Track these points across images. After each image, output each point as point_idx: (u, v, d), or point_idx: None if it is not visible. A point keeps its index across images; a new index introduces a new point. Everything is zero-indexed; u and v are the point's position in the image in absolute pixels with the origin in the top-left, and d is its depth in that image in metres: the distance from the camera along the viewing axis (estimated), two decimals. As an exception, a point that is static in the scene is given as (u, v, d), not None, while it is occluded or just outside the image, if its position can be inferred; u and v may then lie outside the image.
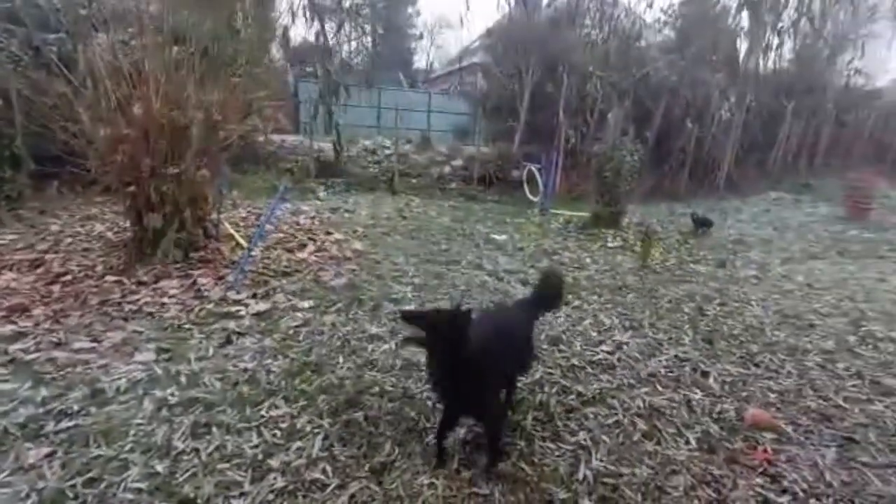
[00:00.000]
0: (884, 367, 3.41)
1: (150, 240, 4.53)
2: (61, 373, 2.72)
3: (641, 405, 2.77)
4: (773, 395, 2.98)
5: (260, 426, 2.37)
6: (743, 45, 14.58)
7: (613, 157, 7.85)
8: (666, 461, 2.31)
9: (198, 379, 2.75)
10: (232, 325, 3.47)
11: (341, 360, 3.06)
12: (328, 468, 2.11)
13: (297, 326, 3.51)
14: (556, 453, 2.32)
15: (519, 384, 2.77)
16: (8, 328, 3.17)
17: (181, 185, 4.51)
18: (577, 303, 4.37)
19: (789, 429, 2.62)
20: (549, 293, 2.85)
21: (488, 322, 2.44)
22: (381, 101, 17.43)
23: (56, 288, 3.88)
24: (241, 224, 6.10)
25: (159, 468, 2.05)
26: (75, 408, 2.41)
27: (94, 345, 3.06)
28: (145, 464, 2.07)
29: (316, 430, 2.35)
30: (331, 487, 2.01)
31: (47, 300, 3.66)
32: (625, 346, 3.53)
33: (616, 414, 2.67)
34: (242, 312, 3.68)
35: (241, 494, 1.95)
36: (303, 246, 5.48)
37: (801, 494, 2.14)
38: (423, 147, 13.43)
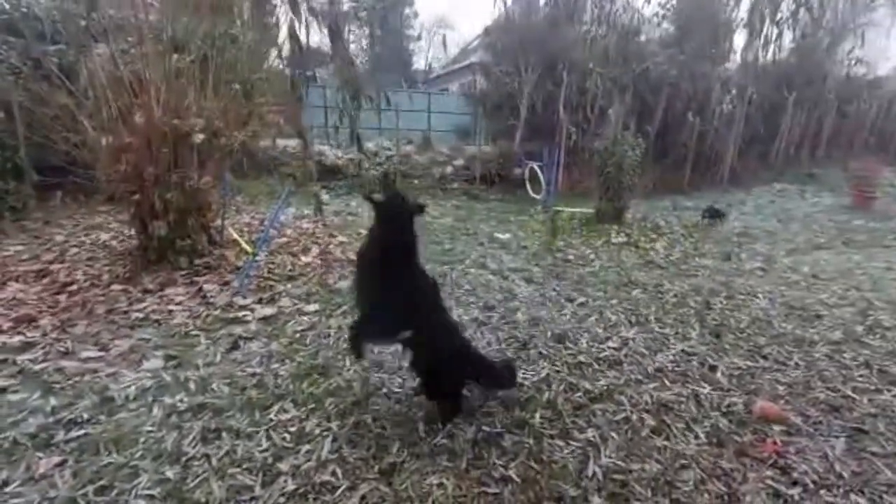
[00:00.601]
0: (892, 357, 3.39)
1: (155, 248, 4.56)
2: (70, 382, 2.74)
3: (649, 400, 2.76)
4: (781, 388, 2.96)
5: (269, 430, 2.38)
6: (742, 37, 14.52)
7: (615, 153, 7.84)
8: (675, 456, 2.31)
9: (206, 385, 2.76)
10: (238, 330, 3.48)
11: (348, 362, 3.07)
12: (338, 470, 2.12)
13: (303, 330, 3.53)
14: (565, 451, 2.32)
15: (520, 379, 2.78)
16: (16, 339, 3.19)
17: (185, 193, 4.53)
18: (582, 299, 4.36)
19: (798, 420, 2.61)
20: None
21: None
22: (380, 103, 17.43)
23: (62, 298, 3.90)
24: (246, 230, 6.12)
25: (170, 474, 2.06)
26: (85, 416, 2.42)
27: (102, 353, 3.08)
28: (156, 470, 2.08)
29: (325, 433, 2.36)
30: (341, 489, 2.02)
31: (54, 310, 3.68)
32: (631, 342, 3.52)
33: (624, 410, 2.67)
34: (249, 317, 3.70)
35: (252, 499, 1.96)
36: (307, 250, 5.49)
37: (811, 486, 2.13)
38: (424, 148, 13.43)
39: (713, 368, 3.18)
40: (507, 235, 7.03)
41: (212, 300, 3.97)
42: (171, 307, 3.81)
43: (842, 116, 16.33)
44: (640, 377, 3.03)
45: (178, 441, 2.27)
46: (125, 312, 3.69)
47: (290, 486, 2.02)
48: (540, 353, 3.30)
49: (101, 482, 2.01)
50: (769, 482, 2.15)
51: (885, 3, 16.17)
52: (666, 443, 2.41)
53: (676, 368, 3.16)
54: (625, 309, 4.17)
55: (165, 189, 4.39)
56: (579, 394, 2.81)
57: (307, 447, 2.26)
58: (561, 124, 11.84)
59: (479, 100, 14.73)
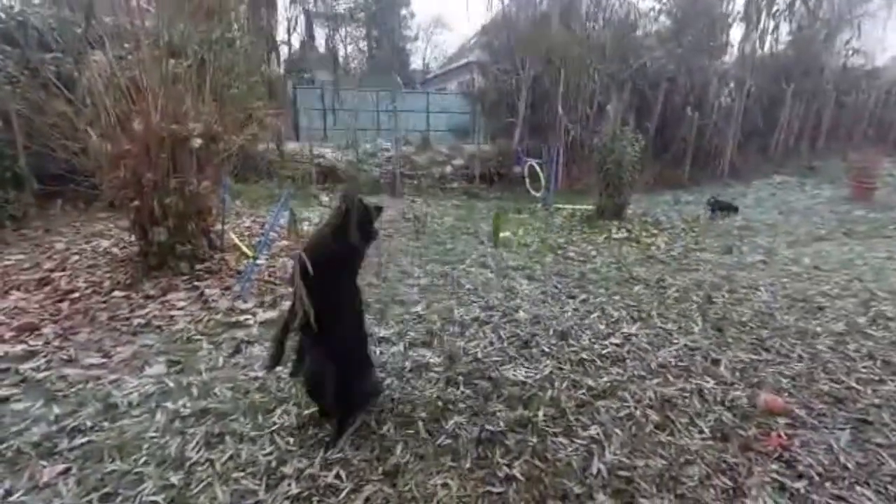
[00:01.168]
0: (895, 347, 3.38)
1: (156, 253, 4.56)
2: (73, 389, 2.74)
3: (653, 396, 2.76)
4: (784, 380, 2.96)
5: (273, 433, 2.37)
6: (739, 30, 14.48)
7: (615, 149, 7.83)
8: (680, 451, 2.30)
9: (209, 389, 2.76)
10: (240, 334, 3.48)
11: (350, 364, 3.06)
12: (342, 472, 2.11)
13: (304, 333, 3.52)
14: (569, 448, 2.31)
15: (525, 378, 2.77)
16: (18, 347, 3.20)
17: (184, 198, 4.53)
18: (583, 296, 4.36)
19: (802, 413, 2.61)
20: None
21: None
22: (378, 104, 17.45)
23: (64, 305, 3.91)
24: (246, 233, 6.13)
25: (174, 480, 2.06)
26: (88, 424, 2.42)
27: (105, 360, 3.08)
28: (160, 476, 2.08)
29: (328, 435, 2.36)
30: (345, 491, 2.02)
31: (56, 318, 3.69)
32: (634, 338, 3.51)
33: (628, 406, 2.66)
34: (250, 321, 3.70)
35: (257, 503, 1.96)
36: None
37: (816, 478, 2.12)
38: (423, 148, 13.43)
39: (716, 362, 3.17)
40: (508, 234, 7.02)
41: (213, 305, 3.97)
42: (172, 313, 3.81)
43: (840, 107, 16.29)
44: (643, 373, 3.03)
45: (182, 446, 2.27)
46: (127, 319, 3.69)
47: (295, 490, 2.02)
48: (542, 350, 3.29)
49: (106, 489, 2.01)
50: (774, 476, 2.14)
51: (882, -8, 16.11)
52: (670, 438, 2.40)
53: (679, 363, 3.16)
54: (627, 305, 4.16)
55: (165, 194, 4.40)
56: (582, 391, 2.81)
57: (311, 450, 2.26)
58: (559, 121, 11.82)
59: (477, 98, 14.72)
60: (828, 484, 2.10)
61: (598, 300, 4.28)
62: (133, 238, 4.96)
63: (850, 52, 16.35)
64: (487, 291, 4.43)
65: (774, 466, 2.20)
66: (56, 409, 2.53)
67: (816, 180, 13.10)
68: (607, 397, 2.75)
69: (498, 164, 12.17)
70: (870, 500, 2.02)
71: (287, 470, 2.13)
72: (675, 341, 3.48)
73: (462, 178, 12.00)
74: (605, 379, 2.94)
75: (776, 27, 14.37)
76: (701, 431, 2.46)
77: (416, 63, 35.00)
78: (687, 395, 2.79)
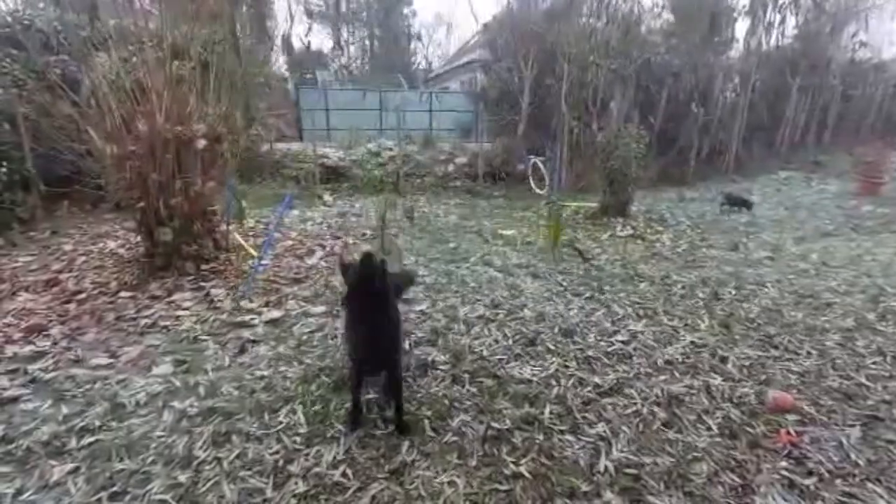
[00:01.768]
0: (906, 343, 3.35)
1: (162, 254, 4.58)
2: (81, 389, 2.76)
3: (660, 393, 2.74)
4: (793, 377, 2.94)
5: (279, 432, 2.38)
6: (744, 24, 14.37)
7: (618, 146, 7.79)
8: (687, 448, 2.29)
9: (216, 389, 2.77)
10: (246, 333, 3.49)
11: (356, 363, 3.07)
12: (348, 471, 2.12)
13: (310, 332, 3.53)
14: (576, 446, 2.30)
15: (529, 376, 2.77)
16: (27, 348, 3.22)
17: (189, 199, 4.55)
18: (588, 294, 4.34)
19: (812, 410, 2.59)
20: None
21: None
22: (382, 103, 17.48)
23: (72, 306, 3.93)
24: (250, 233, 6.14)
25: (182, 478, 2.07)
26: (96, 423, 2.43)
27: (112, 360, 3.10)
28: (168, 475, 2.09)
29: (335, 434, 2.36)
30: (352, 490, 2.02)
31: (64, 319, 3.71)
32: (640, 335, 3.50)
33: (635, 403, 2.65)
34: (256, 321, 3.71)
35: (264, 501, 1.97)
36: (312, 252, 5.50)
37: (826, 475, 2.11)
38: (426, 147, 13.42)
39: (724, 359, 3.15)
40: (512, 232, 7.01)
41: (219, 305, 3.98)
42: (178, 313, 3.83)
43: (847, 101, 16.15)
44: (649, 370, 3.02)
45: (189, 445, 2.28)
46: (134, 319, 3.71)
47: (302, 488, 2.02)
48: (548, 348, 3.28)
49: (114, 488, 2.02)
50: (784, 473, 2.12)
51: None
52: (678, 435, 2.39)
53: (686, 360, 3.14)
54: (632, 302, 4.15)
55: (170, 195, 4.42)
56: (588, 388, 2.80)
57: (317, 448, 2.26)
58: (563, 119, 11.78)
59: (480, 96, 14.69)
60: (838, 481, 2.08)
61: (604, 297, 4.26)
62: (139, 239, 4.99)
63: (857, 46, 16.21)
64: (492, 289, 4.42)
65: (784, 463, 2.18)
66: (64, 409, 2.55)
67: (823, 175, 13.00)
68: (614, 395, 2.74)
69: (501, 163, 12.15)
70: (881, 496, 2.00)
71: (294, 468, 2.13)
72: (682, 338, 3.46)
73: (465, 176, 11.98)
74: (612, 376, 2.93)
75: (782, 21, 14.28)
76: (709, 428, 2.45)
77: (418, 62, 34.98)
78: (694, 392, 2.77)
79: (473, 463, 2.18)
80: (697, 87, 13.15)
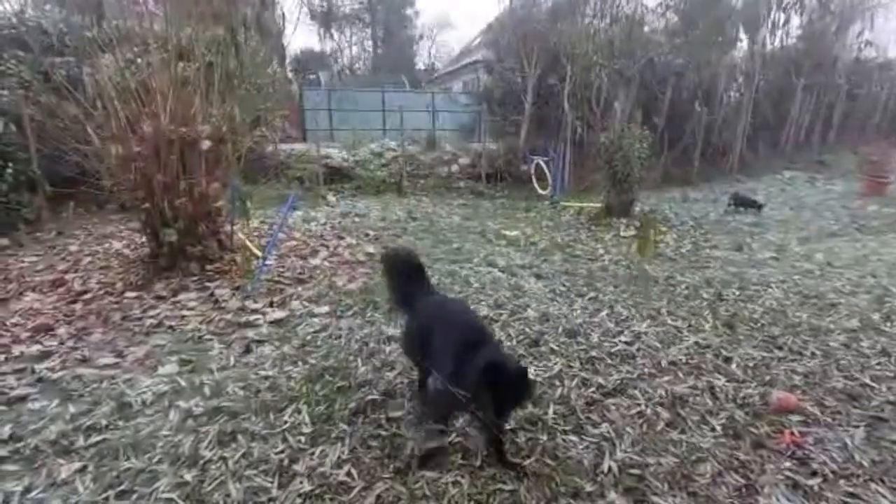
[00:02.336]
0: (911, 344, 3.34)
1: (167, 254, 4.61)
2: (88, 389, 2.78)
3: (664, 394, 2.74)
4: (797, 378, 2.93)
5: (284, 432, 2.39)
6: (749, 24, 14.30)
7: (622, 146, 7.78)
8: (691, 449, 2.29)
9: (221, 388, 2.79)
10: (251, 333, 3.51)
11: (360, 363, 3.08)
12: (353, 470, 2.13)
13: (314, 332, 3.54)
14: (580, 446, 2.31)
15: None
16: (34, 348, 3.25)
17: (194, 199, 4.57)
18: (592, 294, 4.34)
19: (816, 410, 2.58)
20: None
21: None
22: (385, 104, 17.48)
23: (78, 306, 3.96)
24: (255, 234, 6.17)
25: (188, 477, 2.08)
26: (103, 422, 2.45)
27: (119, 360, 3.12)
28: (174, 474, 2.11)
29: (339, 434, 2.37)
30: (357, 489, 2.03)
31: (70, 319, 3.74)
32: (643, 336, 3.49)
33: (638, 404, 2.65)
34: (260, 321, 3.72)
35: (270, 500, 1.98)
36: (316, 252, 5.52)
37: (830, 476, 2.11)
38: (429, 147, 13.43)
39: (728, 360, 3.15)
40: (515, 232, 7.02)
41: (224, 305, 4.00)
42: (184, 313, 3.85)
43: (852, 101, 16.08)
44: (653, 371, 3.02)
45: (195, 444, 2.29)
46: (139, 319, 3.73)
47: (307, 487, 2.03)
48: (551, 348, 3.28)
49: (121, 487, 2.03)
50: (788, 473, 2.12)
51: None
52: (682, 436, 2.39)
53: (690, 361, 3.14)
54: (636, 303, 4.15)
55: (175, 196, 4.44)
56: (592, 389, 2.80)
57: (322, 448, 2.27)
58: (566, 119, 11.77)
59: (484, 97, 14.69)
60: (842, 481, 2.08)
61: (607, 298, 4.26)
62: (144, 239, 5.02)
63: (863, 45, 16.14)
64: (496, 290, 4.43)
65: (788, 464, 2.18)
66: (72, 408, 2.57)
67: (828, 175, 12.95)
68: (617, 395, 2.75)
69: (504, 163, 12.15)
70: (885, 497, 2.00)
71: (299, 468, 2.15)
72: (686, 339, 3.46)
73: (468, 177, 11.99)
74: (616, 377, 2.93)
75: (787, 20, 14.22)
76: (713, 429, 2.45)
77: (421, 62, 34.98)
78: (698, 392, 2.77)
79: (478, 463, 2.18)
80: (701, 86, 13.12)
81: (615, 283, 4.68)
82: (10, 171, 6.10)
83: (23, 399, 2.67)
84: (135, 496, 1.99)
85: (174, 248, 4.56)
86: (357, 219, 7.70)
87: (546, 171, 10.97)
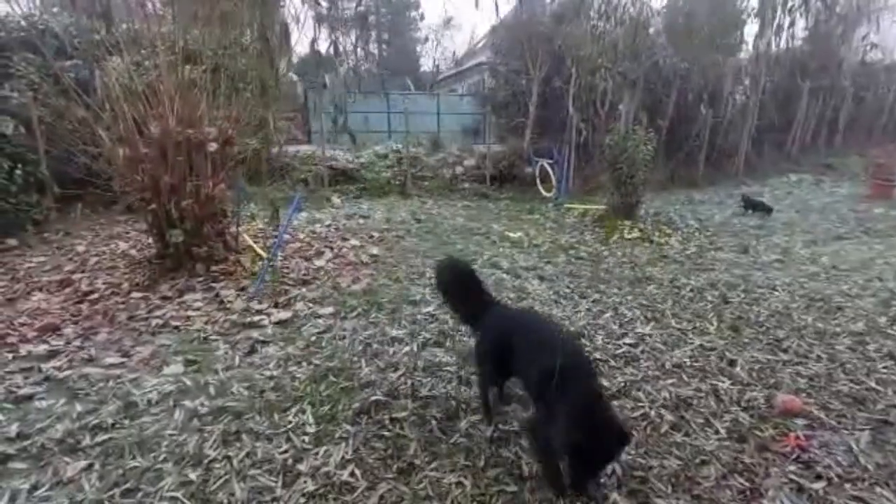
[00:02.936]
0: (918, 347, 3.32)
1: (173, 255, 4.64)
2: (94, 388, 2.80)
3: (668, 396, 2.74)
4: (802, 381, 2.92)
5: (288, 432, 2.41)
6: (753, 26, 14.27)
7: (626, 148, 7.77)
8: (695, 452, 2.28)
9: (226, 388, 2.80)
10: (256, 334, 3.53)
11: (364, 364, 3.09)
12: (356, 471, 2.13)
13: (318, 333, 3.56)
14: (583, 448, 2.30)
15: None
16: (41, 347, 3.28)
17: (200, 201, 4.61)
18: (596, 296, 4.34)
19: (821, 414, 2.57)
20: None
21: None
22: (389, 106, 17.53)
23: (84, 306, 3.99)
24: (260, 235, 6.20)
25: (193, 476, 2.10)
26: (109, 421, 2.47)
27: (125, 359, 3.15)
28: (179, 473, 2.12)
29: (343, 434, 2.38)
30: (360, 489, 2.03)
31: (77, 318, 3.77)
32: (648, 338, 3.49)
33: (642, 406, 2.65)
34: (265, 322, 3.74)
35: (274, 499, 1.99)
36: (320, 253, 5.54)
37: (835, 479, 2.09)
38: (433, 149, 13.44)
39: (732, 363, 3.14)
40: (519, 234, 7.01)
41: (229, 305, 4.02)
42: (189, 313, 3.87)
43: (858, 103, 15.99)
44: (657, 373, 3.01)
45: (200, 444, 2.31)
46: (145, 319, 3.76)
47: (311, 487, 2.04)
48: (555, 350, 3.28)
49: (127, 485, 2.05)
50: (792, 477, 2.11)
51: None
52: (685, 438, 2.38)
53: (695, 364, 3.13)
54: (640, 305, 4.14)
55: (181, 198, 4.47)
56: (596, 391, 2.79)
57: (326, 448, 2.28)
58: (571, 121, 11.76)
59: (488, 99, 14.70)
60: (847, 485, 2.07)
61: (611, 300, 4.25)
62: (150, 240, 5.05)
63: (868, 47, 16.06)
64: (499, 291, 4.43)
65: (792, 467, 2.17)
66: (78, 407, 2.59)
67: (834, 178, 12.88)
68: (621, 397, 2.74)
69: (509, 165, 12.13)
70: (890, 501, 1.98)
71: (303, 467, 2.16)
72: (690, 341, 3.45)
73: (472, 178, 11.97)
74: (619, 379, 2.93)
75: (792, 23, 14.16)
76: (717, 432, 2.44)
77: (426, 65, 35.07)
78: (702, 395, 2.76)
79: (481, 464, 2.19)
80: (706, 88, 13.06)
81: (619, 285, 4.67)
82: (19, 172, 6.16)
83: (30, 398, 2.70)
84: (140, 494, 2.01)
85: (180, 249, 4.60)
86: (361, 220, 7.72)
87: (550, 173, 10.95)
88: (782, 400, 2.65)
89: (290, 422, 2.49)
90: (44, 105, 6.20)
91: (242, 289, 4.37)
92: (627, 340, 3.45)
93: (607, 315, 3.91)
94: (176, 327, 3.64)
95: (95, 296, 4.20)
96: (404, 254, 5.75)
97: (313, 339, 3.47)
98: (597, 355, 3.21)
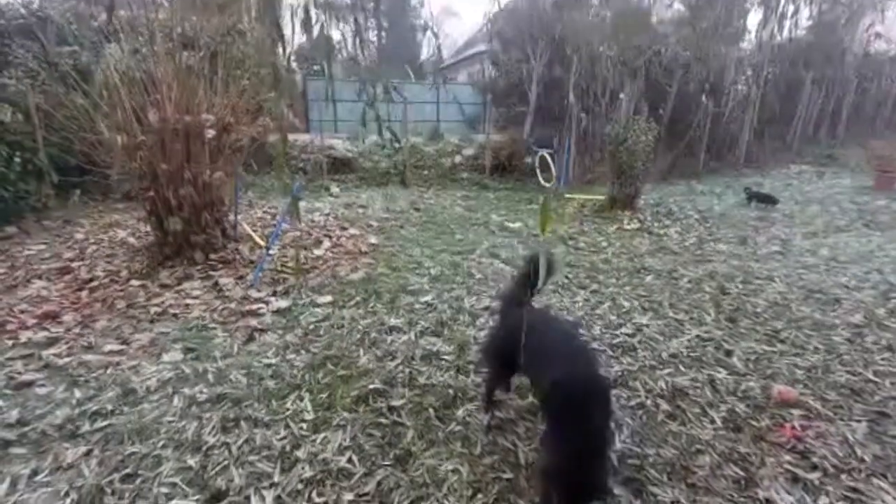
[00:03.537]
0: (915, 339, 3.32)
1: (171, 243, 4.63)
2: (94, 375, 2.81)
3: (664, 386, 2.75)
4: (799, 372, 2.93)
5: (286, 419, 2.42)
6: (757, 15, 14.11)
7: (627, 138, 7.72)
8: (691, 441, 2.30)
9: (224, 376, 2.82)
10: (254, 322, 3.53)
11: (362, 352, 3.10)
12: (354, 457, 2.15)
13: (317, 321, 3.57)
14: (580, 436, 2.31)
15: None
16: (41, 334, 3.28)
17: (198, 189, 4.59)
18: (594, 287, 4.34)
19: (818, 405, 2.58)
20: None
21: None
22: (389, 95, 17.40)
23: (84, 294, 4.00)
24: (258, 224, 6.19)
25: (191, 462, 2.11)
26: (109, 408, 2.49)
27: (124, 347, 3.16)
28: (178, 459, 2.14)
29: (341, 422, 2.39)
30: (357, 475, 2.05)
31: (76, 306, 3.78)
32: (645, 328, 3.50)
33: (639, 395, 2.66)
34: (263, 310, 3.75)
35: (272, 485, 2.00)
36: (319, 242, 5.54)
37: (831, 470, 2.11)
38: (433, 138, 13.38)
39: (729, 353, 3.15)
40: (518, 224, 7.00)
41: (227, 294, 4.03)
42: (188, 301, 3.88)
43: (862, 94, 15.88)
44: (654, 363, 3.02)
45: (199, 430, 2.32)
46: (144, 307, 3.76)
47: (308, 473, 2.06)
48: (553, 340, 3.28)
49: (126, 471, 2.07)
50: (788, 467, 2.13)
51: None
52: (681, 428, 2.40)
53: (691, 354, 3.14)
54: (638, 295, 4.14)
55: (179, 185, 4.45)
56: (593, 380, 2.80)
57: (323, 435, 2.30)
58: (571, 110, 11.68)
59: (488, 88, 14.60)
60: (843, 476, 2.08)
61: (609, 290, 4.25)
62: (149, 228, 5.04)
63: (873, 37, 15.89)
64: (497, 281, 4.43)
65: (788, 457, 2.19)
66: (78, 394, 2.61)
67: (836, 169, 12.82)
68: (618, 386, 2.75)
69: (509, 155, 12.07)
70: (886, 492, 2.00)
71: (301, 454, 2.17)
72: (688, 332, 3.46)
73: (472, 168, 11.92)
74: (616, 368, 2.94)
75: (796, 11, 13.99)
76: (713, 421, 2.45)
77: (425, 53, 34.76)
78: (699, 385, 2.78)
79: (477, 451, 2.20)
80: (708, 78, 12.95)
81: (617, 275, 4.67)
82: (17, 159, 6.13)
83: (30, 384, 2.71)
84: (139, 480, 2.02)
85: (179, 237, 4.59)
86: (360, 209, 7.69)
87: (550, 163, 10.91)
88: (779, 390, 2.67)
89: (289, 409, 2.50)
90: (42, 92, 6.15)
91: (241, 277, 4.37)
92: (625, 330, 3.46)
93: (605, 305, 3.91)
94: (175, 315, 3.65)
95: (95, 283, 4.20)
96: (403, 243, 5.74)
97: (311, 327, 3.48)
98: (594, 345, 3.22)
